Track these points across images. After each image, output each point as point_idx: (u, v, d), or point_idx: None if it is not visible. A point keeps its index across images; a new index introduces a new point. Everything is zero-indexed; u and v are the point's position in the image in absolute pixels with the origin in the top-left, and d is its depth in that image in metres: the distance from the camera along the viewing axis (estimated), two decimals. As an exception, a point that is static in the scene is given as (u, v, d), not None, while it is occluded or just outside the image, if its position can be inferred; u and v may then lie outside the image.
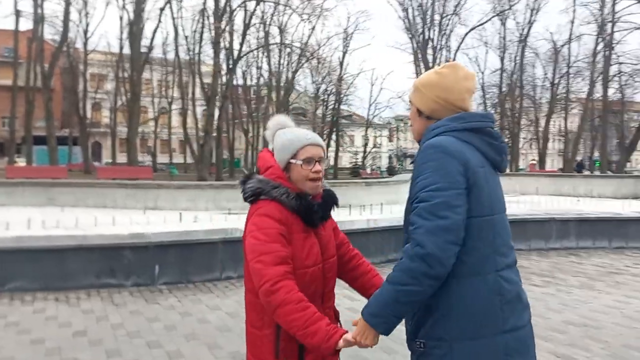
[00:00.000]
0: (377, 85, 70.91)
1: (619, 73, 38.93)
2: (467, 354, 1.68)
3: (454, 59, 40.99)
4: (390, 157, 63.35)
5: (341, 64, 47.14)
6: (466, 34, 40.74)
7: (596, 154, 46.09)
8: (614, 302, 5.73)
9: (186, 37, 39.77)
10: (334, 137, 48.38)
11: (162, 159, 57.18)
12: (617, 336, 4.61)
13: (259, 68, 47.87)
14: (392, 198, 18.06)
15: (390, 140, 65.33)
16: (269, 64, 44.87)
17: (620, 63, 38.02)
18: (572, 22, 38.71)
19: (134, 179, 24.68)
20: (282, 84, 45.69)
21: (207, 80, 36.87)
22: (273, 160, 1.99)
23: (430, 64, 39.56)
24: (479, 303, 1.68)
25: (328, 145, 49.55)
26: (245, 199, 1.97)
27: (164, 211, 15.67)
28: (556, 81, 42.28)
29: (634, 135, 38.10)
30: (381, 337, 1.73)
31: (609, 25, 36.22)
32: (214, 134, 34.48)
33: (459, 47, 41.21)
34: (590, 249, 8.83)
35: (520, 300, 1.77)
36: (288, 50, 46.08)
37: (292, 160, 1.94)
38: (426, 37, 39.71)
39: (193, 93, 41.48)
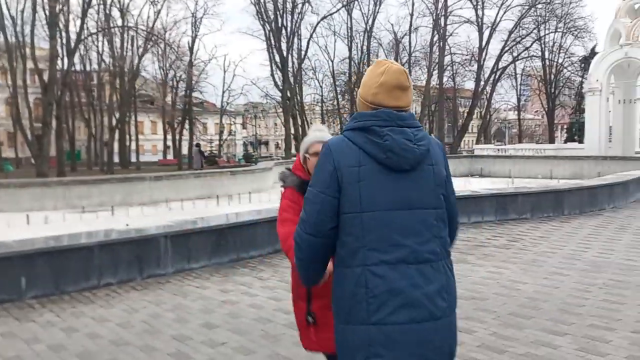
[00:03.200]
0: (230, 72, 70.06)
1: (451, 63, 42.85)
2: (340, 336, 1.89)
3: (306, 48, 41.91)
4: (245, 145, 63.04)
5: (191, 49, 45.67)
6: (317, 23, 41.75)
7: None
8: (488, 274, 6.28)
9: (12, 18, 35.40)
10: (187, 125, 46.84)
11: (-13, 154, 50.66)
12: (502, 305, 5.05)
13: (99, 53, 44.46)
14: (259, 186, 17.98)
15: (244, 128, 65.04)
16: (111, 48, 41.91)
17: (453, 53, 41.91)
18: (411, 14, 41.61)
19: (-42, 179, 21.52)
20: (126, 70, 42.97)
21: (42, 65, 33.33)
22: (297, 159, 2.85)
23: (285, 52, 39.94)
24: (347, 292, 1.84)
25: (181, 134, 47.90)
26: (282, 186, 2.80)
27: (6, 214, 13.88)
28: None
29: (465, 120, 42.35)
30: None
31: (442, 18, 39.57)
32: (53, 125, 31.39)
33: (311, 36, 42.13)
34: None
35: (395, 297, 1.78)
36: (132, 34, 43.43)
37: (306, 155, 2.73)
38: (279, 24, 39.90)
39: (24, 80, 37.17)
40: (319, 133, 2.75)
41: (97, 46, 43.29)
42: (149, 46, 42.29)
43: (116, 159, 43.00)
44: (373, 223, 1.81)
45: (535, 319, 4.64)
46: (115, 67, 42.30)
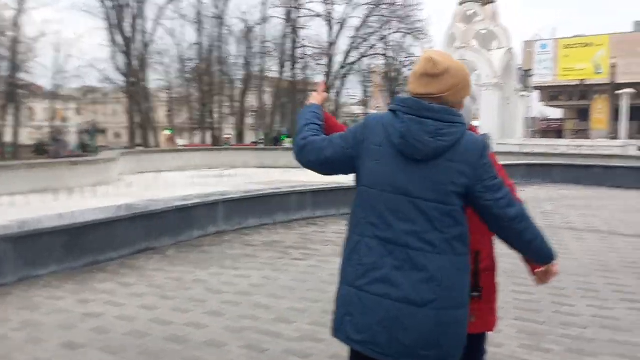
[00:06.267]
0: (64, 51, 62.56)
1: (303, 55, 43.42)
2: (337, 292, 2.09)
3: (153, 31, 39.46)
4: (80, 133, 57.38)
5: (15, 24, 40.46)
6: (166, 4, 39.49)
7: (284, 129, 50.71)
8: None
9: None
10: (11, 110, 41.49)
11: None
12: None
13: None
14: (104, 179, 16.34)
15: (79, 114, 59.50)
16: None
17: (304, 46, 42.46)
18: (264, 4, 41.25)
19: None
20: None
21: None
22: None
23: (130, 34, 37.09)
24: (346, 255, 2.07)
25: (4, 120, 42.26)
26: None
27: None
28: (250, 60, 44.59)
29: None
30: None
31: (294, 10, 39.88)
32: None
33: (158, 18, 39.69)
34: (324, 217, 9.42)
35: (376, 270, 1.94)
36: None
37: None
38: (122, 2, 36.91)
39: None
40: None
41: None
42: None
43: None
44: (376, 200, 1.97)
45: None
46: None
